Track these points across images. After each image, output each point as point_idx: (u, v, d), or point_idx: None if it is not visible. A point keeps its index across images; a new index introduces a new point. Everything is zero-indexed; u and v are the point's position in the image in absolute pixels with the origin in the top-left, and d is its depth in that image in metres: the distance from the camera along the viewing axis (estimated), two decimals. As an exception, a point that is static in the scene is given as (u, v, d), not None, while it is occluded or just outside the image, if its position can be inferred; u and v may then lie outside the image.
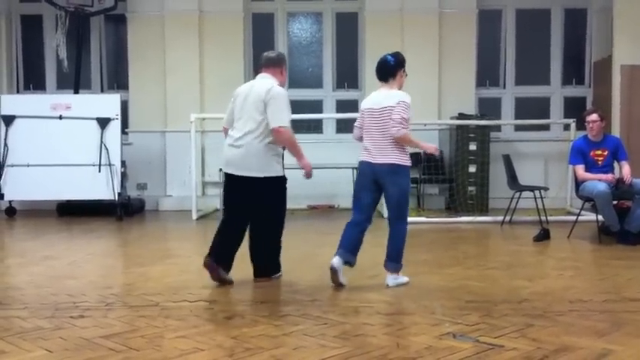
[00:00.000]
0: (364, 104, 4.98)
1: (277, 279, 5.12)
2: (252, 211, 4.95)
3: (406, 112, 4.73)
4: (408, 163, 4.85)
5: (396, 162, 4.77)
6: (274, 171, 4.93)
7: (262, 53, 5.23)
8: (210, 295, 4.56)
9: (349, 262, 4.88)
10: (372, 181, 4.85)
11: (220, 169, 4.99)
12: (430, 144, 4.99)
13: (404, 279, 4.93)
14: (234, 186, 4.96)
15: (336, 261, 4.80)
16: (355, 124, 5.04)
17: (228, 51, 10.74)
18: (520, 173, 8.83)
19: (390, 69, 4.89)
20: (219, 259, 4.89)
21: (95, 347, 3.39)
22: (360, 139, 4.99)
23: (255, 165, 4.86)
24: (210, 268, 4.88)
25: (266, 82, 4.96)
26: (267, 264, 5.09)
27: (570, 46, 11.16)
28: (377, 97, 4.90)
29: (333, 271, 4.79)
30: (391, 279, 4.86)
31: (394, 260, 4.88)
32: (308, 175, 5.13)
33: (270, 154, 4.90)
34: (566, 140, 9.99)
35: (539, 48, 11.10)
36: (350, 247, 4.87)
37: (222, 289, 4.78)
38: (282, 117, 4.84)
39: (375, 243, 7.11)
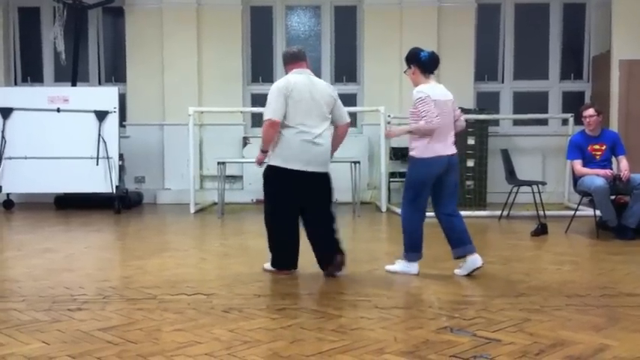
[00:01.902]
0: (436, 96, 4.86)
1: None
2: (318, 204, 5.07)
3: None
4: None
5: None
6: None
7: (284, 51, 5.36)
8: (208, 288, 4.56)
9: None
10: (439, 175, 4.94)
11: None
12: None
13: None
14: (310, 183, 4.97)
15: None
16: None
17: (226, 44, 10.73)
18: (518, 168, 8.84)
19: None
20: (294, 261, 5.05)
21: (93, 340, 3.39)
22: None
23: (329, 160, 5.05)
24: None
25: (319, 79, 5.07)
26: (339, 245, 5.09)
27: (569, 40, 11.16)
28: (440, 89, 4.96)
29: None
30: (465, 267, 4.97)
31: (470, 242, 5.00)
32: None
33: None
34: (564, 135, 9.99)
35: (537, 42, 11.10)
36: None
37: (219, 282, 4.77)
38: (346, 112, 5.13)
39: (372, 238, 7.13)
